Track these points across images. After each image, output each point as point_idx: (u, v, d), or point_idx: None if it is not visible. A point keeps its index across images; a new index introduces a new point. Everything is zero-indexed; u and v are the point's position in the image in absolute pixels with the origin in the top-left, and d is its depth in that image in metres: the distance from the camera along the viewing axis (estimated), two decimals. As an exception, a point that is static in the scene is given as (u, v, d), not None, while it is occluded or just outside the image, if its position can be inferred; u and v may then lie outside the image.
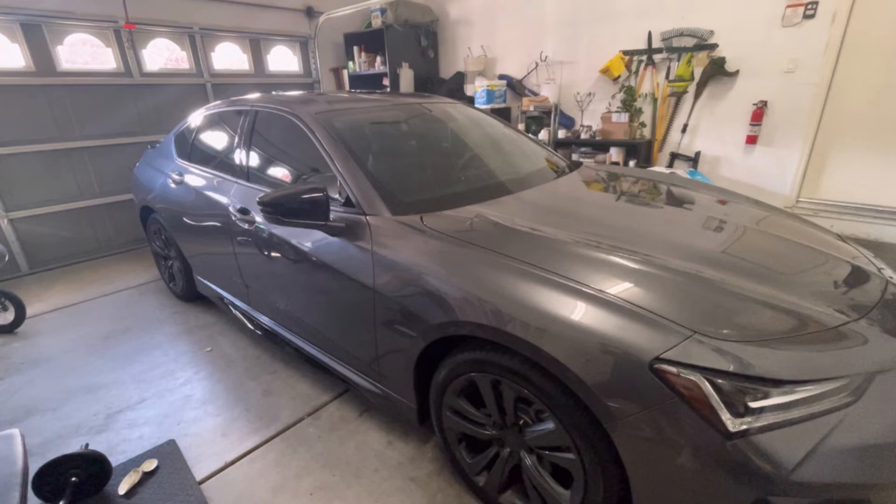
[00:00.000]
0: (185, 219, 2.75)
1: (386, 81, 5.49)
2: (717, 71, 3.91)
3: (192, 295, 3.17)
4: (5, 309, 2.91)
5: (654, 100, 4.38)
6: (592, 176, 2.33)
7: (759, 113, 3.83)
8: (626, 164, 4.39)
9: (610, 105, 4.59)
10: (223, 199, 2.35)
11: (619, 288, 1.19)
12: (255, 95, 2.61)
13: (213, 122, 2.76)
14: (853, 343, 1.12)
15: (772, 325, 1.12)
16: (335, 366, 2.01)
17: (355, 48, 5.65)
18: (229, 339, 2.80)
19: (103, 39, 4.05)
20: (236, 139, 2.43)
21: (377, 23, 5.30)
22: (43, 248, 4.01)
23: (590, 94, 4.76)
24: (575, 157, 4.52)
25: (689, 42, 4.01)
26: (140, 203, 3.30)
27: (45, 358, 2.66)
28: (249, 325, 2.53)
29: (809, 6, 3.46)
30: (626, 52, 4.38)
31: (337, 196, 1.80)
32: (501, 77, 5.38)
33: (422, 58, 5.68)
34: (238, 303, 2.60)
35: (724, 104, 4.04)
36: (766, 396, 0.99)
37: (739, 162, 4.10)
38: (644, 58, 4.31)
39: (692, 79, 4.08)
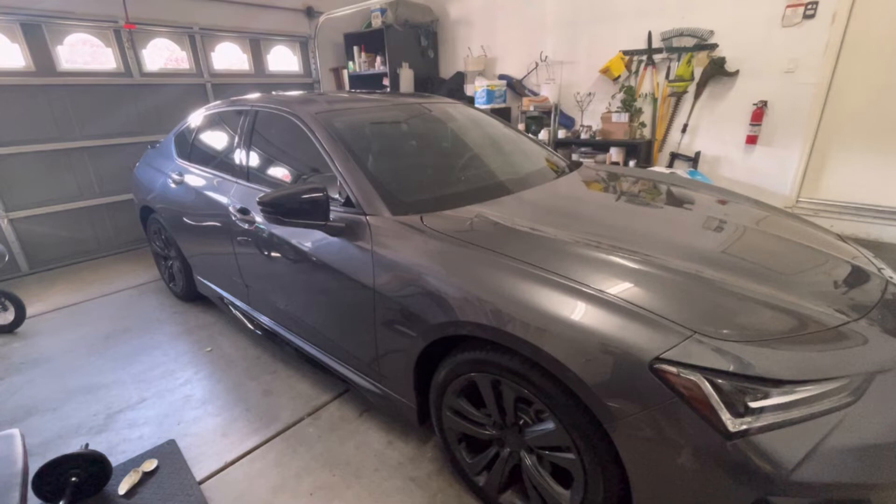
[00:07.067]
0: (185, 219, 2.75)
1: (386, 81, 5.49)
2: (717, 71, 3.90)
3: (192, 295, 3.17)
4: (5, 309, 2.91)
5: (654, 100, 4.38)
6: (592, 176, 2.33)
7: (759, 113, 3.83)
8: (626, 164, 4.39)
9: (610, 105, 4.59)
10: (223, 199, 2.35)
11: (619, 288, 1.19)
12: (255, 95, 2.61)
13: (213, 122, 2.76)
14: (853, 343, 1.12)
15: (772, 325, 1.12)
16: (335, 366, 2.00)
17: (355, 48, 5.65)
18: (229, 339, 2.80)
19: (103, 39, 4.05)
20: (236, 139, 2.43)
21: (377, 23, 5.30)
22: (43, 248, 4.01)
23: (590, 94, 4.75)
24: (575, 157, 4.52)
25: (689, 42, 4.01)
26: (140, 203, 3.30)
27: (45, 358, 2.66)
28: (249, 325, 2.53)
29: (809, 6, 3.46)
30: (626, 52, 4.38)
31: (337, 196, 1.80)
32: (501, 77, 5.38)
33: (422, 58, 5.68)
34: (238, 303, 2.60)
35: (724, 104, 4.04)
36: (766, 396, 0.99)
37: (739, 162, 4.10)
38: (644, 58, 4.31)
39: (692, 79, 4.08)
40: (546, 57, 4.94)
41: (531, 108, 4.92)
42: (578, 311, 1.15)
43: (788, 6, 3.53)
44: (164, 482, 1.75)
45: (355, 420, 2.06)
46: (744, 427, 0.97)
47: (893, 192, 3.57)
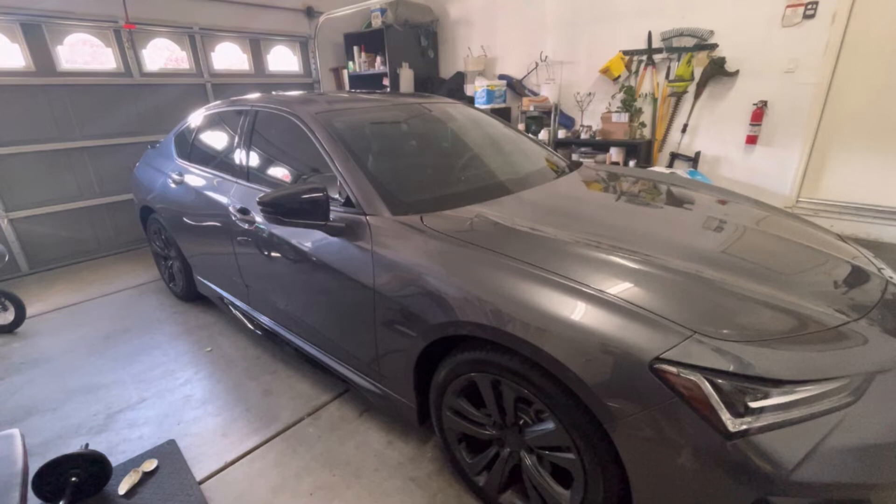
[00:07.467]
0: (185, 219, 2.75)
1: (386, 81, 5.49)
2: (717, 71, 3.90)
3: (192, 295, 3.17)
4: (5, 309, 2.91)
5: (654, 100, 4.38)
6: (592, 176, 2.33)
7: (759, 113, 3.83)
8: (626, 164, 4.39)
9: (610, 105, 4.59)
10: (223, 199, 2.35)
11: (619, 288, 1.19)
12: (255, 95, 2.61)
13: (213, 122, 2.76)
14: (853, 343, 1.12)
15: (772, 325, 1.12)
16: (335, 366, 2.00)
17: (355, 48, 5.65)
18: (229, 339, 2.80)
19: (103, 39, 4.05)
20: (236, 139, 2.43)
21: (377, 23, 5.30)
22: (43, 248, 4.01)
23: (590, 94, 4.76)
24: (575, 157, 4.52)
25: (689, 42, 4.01)
26: (140, 203, 3.30)
27: (45, 358, 2.66)
28: (249, 325, 2.53)
29: (809, 6, 3.46)
30: (626, 52, 4.38)
31: (337, 196, 1.80)
32: (501, 77, 5.38)
33: (422, 58, 5.67)
34: (238, 303, 2.60)
35: (724, 104, 4.04)
36: (766, 396, 0.99)
37: (739, 162, 4.10)
38: (644, 58, 4.31)
39: (692, 79, 4.08)
40: (546, 57, 4.94)
41: (531, 108, 4.92)
42: (578, 311, 1.15)
43: (788, 6, 3.53)
44: (164, 482, 1.75)
45: (355, 420, 2.06)
46: (744, 427, 0.97)
47: (893, 192, 3.57)
